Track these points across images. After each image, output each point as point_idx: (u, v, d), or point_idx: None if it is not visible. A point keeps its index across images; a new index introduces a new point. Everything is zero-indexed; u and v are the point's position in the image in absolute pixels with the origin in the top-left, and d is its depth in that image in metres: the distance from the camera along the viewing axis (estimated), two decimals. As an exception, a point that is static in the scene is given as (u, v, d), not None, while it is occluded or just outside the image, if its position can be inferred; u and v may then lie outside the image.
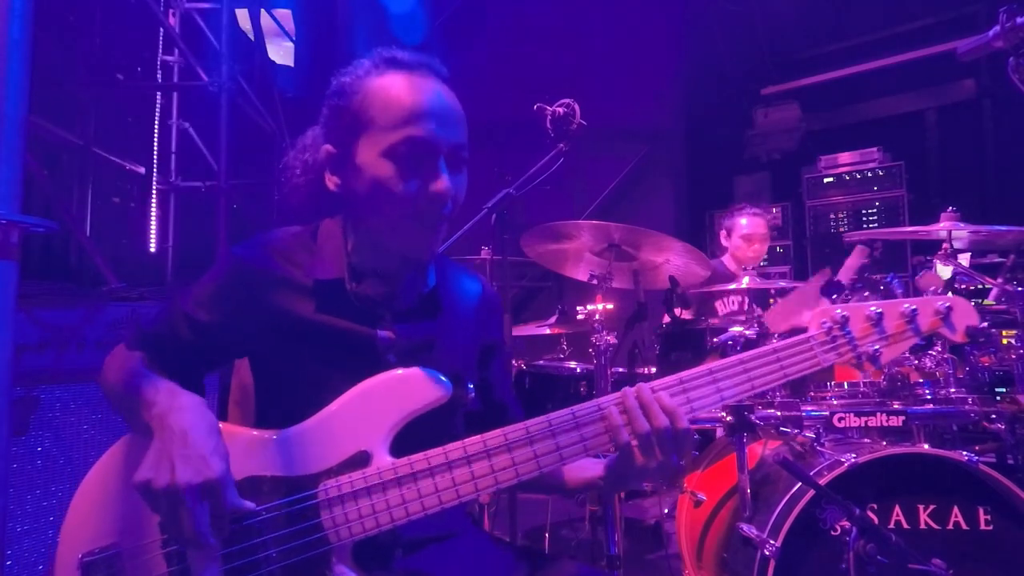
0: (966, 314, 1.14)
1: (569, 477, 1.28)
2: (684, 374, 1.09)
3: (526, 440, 1.06)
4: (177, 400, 1.05)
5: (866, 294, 2.20)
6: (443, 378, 1.11)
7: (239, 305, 1.16)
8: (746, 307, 3.20)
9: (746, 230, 3.77)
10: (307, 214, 1.23)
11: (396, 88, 1.10)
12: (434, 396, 1.10)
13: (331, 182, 1.17)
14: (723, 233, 3.90)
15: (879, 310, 1.13)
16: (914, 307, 1.13)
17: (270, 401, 1.21)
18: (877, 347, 1.12)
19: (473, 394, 1.21)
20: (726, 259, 3.86)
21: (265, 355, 1.19)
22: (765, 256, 4.69)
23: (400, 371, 1.12)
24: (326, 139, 1.17)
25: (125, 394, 1.13)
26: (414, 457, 1.06)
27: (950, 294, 1.63)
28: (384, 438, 1.08)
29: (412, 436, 1.09)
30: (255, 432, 1.11)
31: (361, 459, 1.07)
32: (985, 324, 2.34)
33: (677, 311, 2.65)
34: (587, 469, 1.24)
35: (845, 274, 3.20)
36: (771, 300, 3.16)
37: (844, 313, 1.12)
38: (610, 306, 2.55)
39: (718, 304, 3.66)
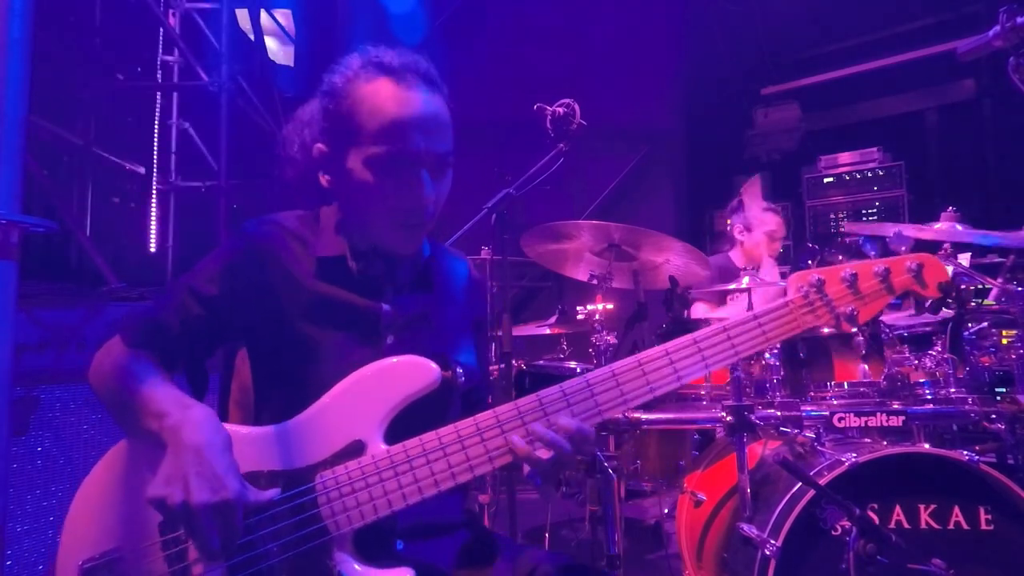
0: (936, 271, 1.17)
1: None
2: (669, 345, 1.12)
3: (517, 419, 1.08)
4: (190, 412, 1.05)
5: (840, 257, 2.21)
6: (433, 364, 1.12)
7: (248, 279, 1.19)
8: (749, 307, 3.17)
9: (772, 226, 3.71)
10: (301, 191, 1.27)
11: (382, 97, 1.13)
12: (424, 383, 1.12)
13: (323, 179, 1.22)
14: (738, 228, 3.77)
15: (853, 272, 1.16)
16: (886, 267, 1.16)
17: (271, 387, 1.22)
18: (853, 307, 1.16)
19: (463, 378, 1.22)
20: (734, 254, 3.76)
21: (268, 335, 1.20)
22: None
23: (392, 359, 1.13)
24: (319, 136, 1.22)
25: (126, 400, 1.11)
26: (408, 443, 1.08)
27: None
28: (377, 426, 1.09)
29: (408, 422, 1.10)
30: (251, 428, 1.12)
31: (356, 448, 1.08)
32: (984, 324, 2.34)
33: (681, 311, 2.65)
34: None
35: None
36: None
37: (820, 276, 1.16)
38: (610, 306, 2.55)
39: (729, 298, 3.61)
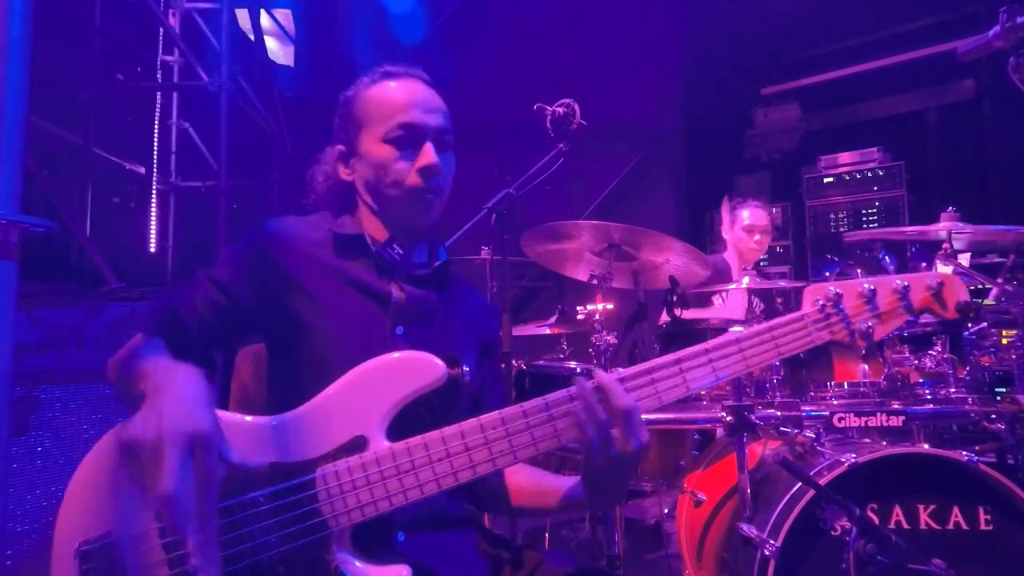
0: (956, 290, 1.15)
1: (554, 492, 1.30)
2: (681, 353, 1.12)
3: (523, 420, 1.09)
4: (175, 369, 1.05)
5: (858, 271, 2.20)
6: (439, 361, 1.12)
7: (264, 262, 1.25)
8: (746, 306, 3.17)
9: (748, 221, 3.69)
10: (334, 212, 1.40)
11: (387, 90, 1.33)
12: (429, 379, 1.11)
13: (344, 173, 1.37)
14: (724, 226, 3.80)
15: (872, 287, 1.15)
16: (906, 283, 1.15)
17: (282, 375, 1.24)
18: (869, 324, 1.14)
19: (469, 377, 1.22)
20: (728, 255, 3.78)
21: (282, 319, 1.23)
22: (764, 255, 4.68)
23: (397, 354, 1.13)
24: (337, 142, 1.38)
25: (127, 376, 1.12)
26: (411, 440, 1.07)
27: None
28: (380, 422, 1.09)
29: (413, 419, 1.10)
30: (252, 419, 1.11)
31: (358, 444, 1.07)
32: (984, 324, 2.34)
33: (677, 311, 2.65)
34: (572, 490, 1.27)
35: None
36: (779, 300, 3.13)
37: (837, 290, 1.14)
38: (610, 306, 2.55)
39: (715, 298, 3.62)
